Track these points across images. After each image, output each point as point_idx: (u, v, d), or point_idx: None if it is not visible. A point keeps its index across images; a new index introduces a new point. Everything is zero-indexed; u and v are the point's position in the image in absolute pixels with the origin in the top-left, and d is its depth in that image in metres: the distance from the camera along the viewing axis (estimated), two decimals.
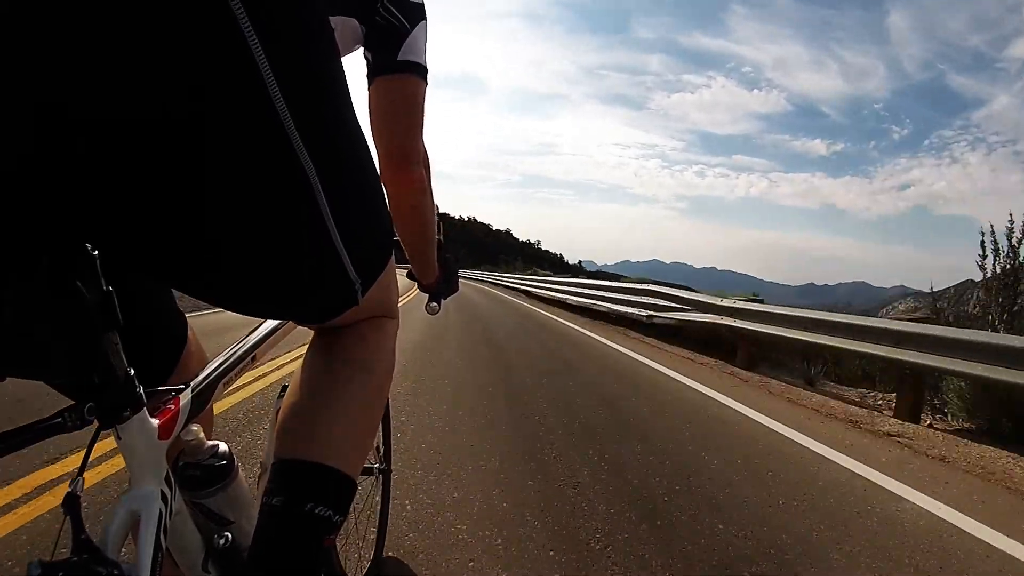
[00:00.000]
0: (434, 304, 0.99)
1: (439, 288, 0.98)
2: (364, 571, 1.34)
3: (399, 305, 0.79)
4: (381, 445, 1.38)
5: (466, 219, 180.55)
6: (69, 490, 0.44)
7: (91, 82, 0.39)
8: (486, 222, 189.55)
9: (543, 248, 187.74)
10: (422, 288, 0.98)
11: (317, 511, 0.56)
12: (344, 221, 0.55)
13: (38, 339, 0.42)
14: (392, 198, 0.71)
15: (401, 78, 0.64)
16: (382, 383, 0.72)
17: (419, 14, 0.66)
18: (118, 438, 0.49)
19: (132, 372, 0.49)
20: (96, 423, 0.47)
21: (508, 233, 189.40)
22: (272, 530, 0.56)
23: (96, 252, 0.46)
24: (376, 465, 1.34)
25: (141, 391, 0.50)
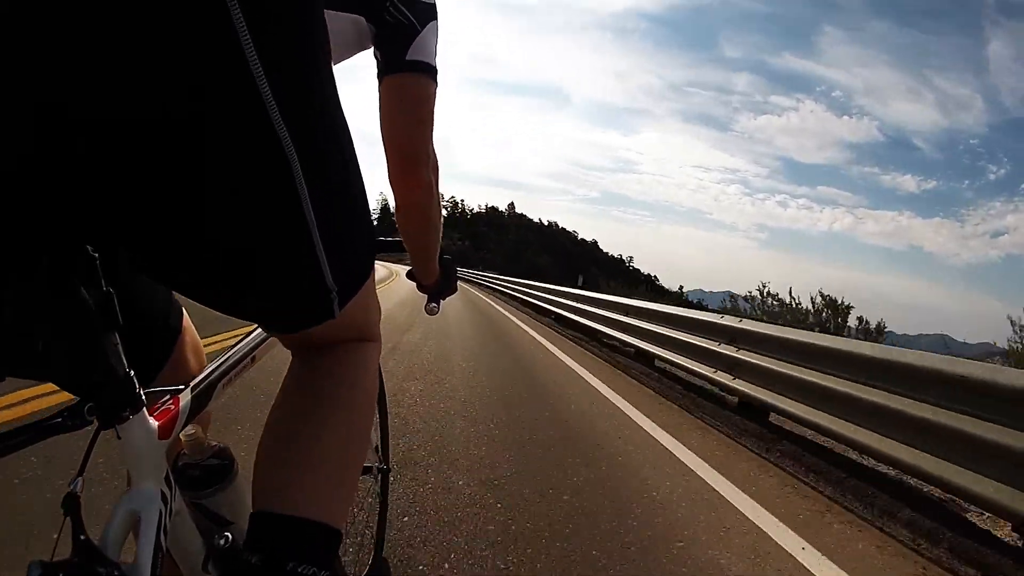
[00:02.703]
0: (433, 304, 1.00)
1: (439, 288, 0.98)
2: (364, 571, 1.34)
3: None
4: (379, 445, 1.38)
5: (546, 223, 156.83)
6: (69, 490, 0.44)
7: (91, 82, 0.38)
8: (570, 230, 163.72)
9: (634, 267, 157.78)
10: (421, 288, 0.99)
11: (300, 570, 0.53)
12: (325, 222, 0.53)
13: (38, 339, 0.42)
14: (398, 198, 0.71)
15: (410, 78, 0.64)
16: (364, 417, 0.68)
17: (430, 14, 0.65)
18: (118, 438, 0.49)
19: (132, 372, 0.49)
20: (96, 423, 0.47)
21: (595, 245, 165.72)
22: None
23: (96, 253, 0.46)
24: (375, 464, 1.34)
25: (141, 391, 0.50)
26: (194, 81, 0.42)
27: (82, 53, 0.38)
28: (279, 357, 0.80)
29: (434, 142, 0.68)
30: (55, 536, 0.44)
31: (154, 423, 0.52)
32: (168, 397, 0.59)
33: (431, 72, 0.64)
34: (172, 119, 0.42)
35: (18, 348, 0.42)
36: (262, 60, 0.43)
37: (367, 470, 1.31)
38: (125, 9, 0.38)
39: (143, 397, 0.50)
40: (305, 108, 0.50)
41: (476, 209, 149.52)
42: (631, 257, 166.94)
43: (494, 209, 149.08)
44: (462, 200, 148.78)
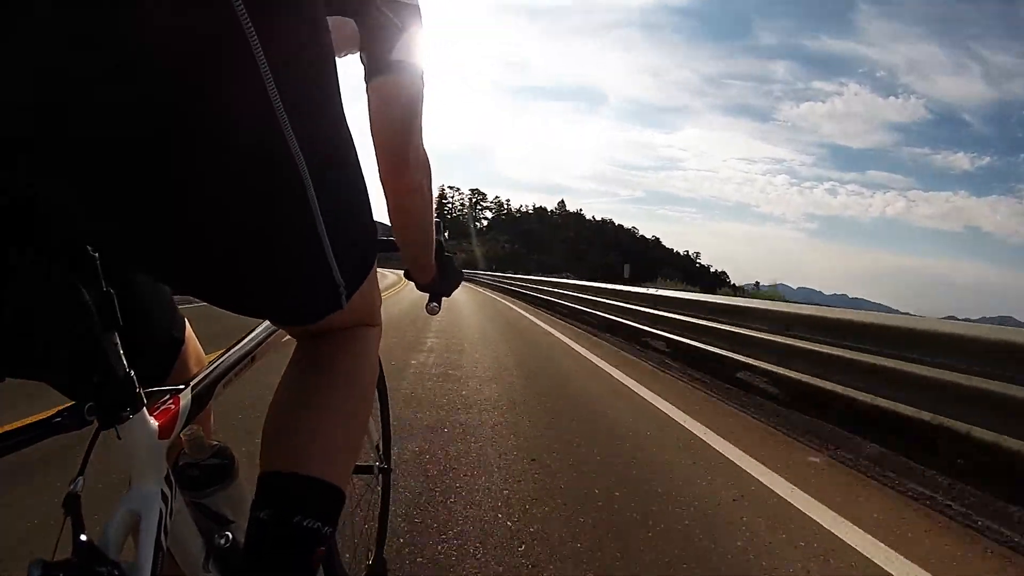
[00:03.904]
0: (434, 304, 1.00)
1: (437, 287, 0.99)
2: (364, 571, 1.34)
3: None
4: (380, 444, 1.38)
5: (601, 220, 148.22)
6: (69, 490, 0.44)
7: (94, 81, 0.38)
8: (628, 227, 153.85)
9: (700, 263, 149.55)
10: (419, 288, 0.99)
11: (306, 524, 0.56)
12: (333, 222, 0.54)
13: (38, 339, 0.42)
14: (389, 200, 0.71)
15: (395, 79, 0.64)
16: (365, 391, 0.71)
17: (415, 15, 0.65)
18: (118, 438, 0.49)
19: (132, 372, 0.49)
20: (96, 423, 0.47)
21: (658, 242, 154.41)
22: (262, 545, 0.55)
23: (96, 253, 0.46)
24: (376, 464, 1.34)
25: (141, 391, 0.50)
26: (200, 80, 0.42)
27: (85, 52, 0.38)
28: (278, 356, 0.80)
29: (428, 143, 0.68)
30: (56, 536, 0.44)
31: (154, 423, 0.53)
32: (168, 397, 0.59)
33: (417, 72, 0.64)
34: (176, 119, 0.42)
35: (18, 348, 0.42)
36: (269, 60, 0.44)
37: (368, 469, 1.31)
38: (130, 8, 0.38)
39: (143, 397, 0.50)
40: (311, 108, 0.50)
41: (523, 208, 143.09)
42: (698, 253, 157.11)
43: (542, 209, 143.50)
44: (507, 200, 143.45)
